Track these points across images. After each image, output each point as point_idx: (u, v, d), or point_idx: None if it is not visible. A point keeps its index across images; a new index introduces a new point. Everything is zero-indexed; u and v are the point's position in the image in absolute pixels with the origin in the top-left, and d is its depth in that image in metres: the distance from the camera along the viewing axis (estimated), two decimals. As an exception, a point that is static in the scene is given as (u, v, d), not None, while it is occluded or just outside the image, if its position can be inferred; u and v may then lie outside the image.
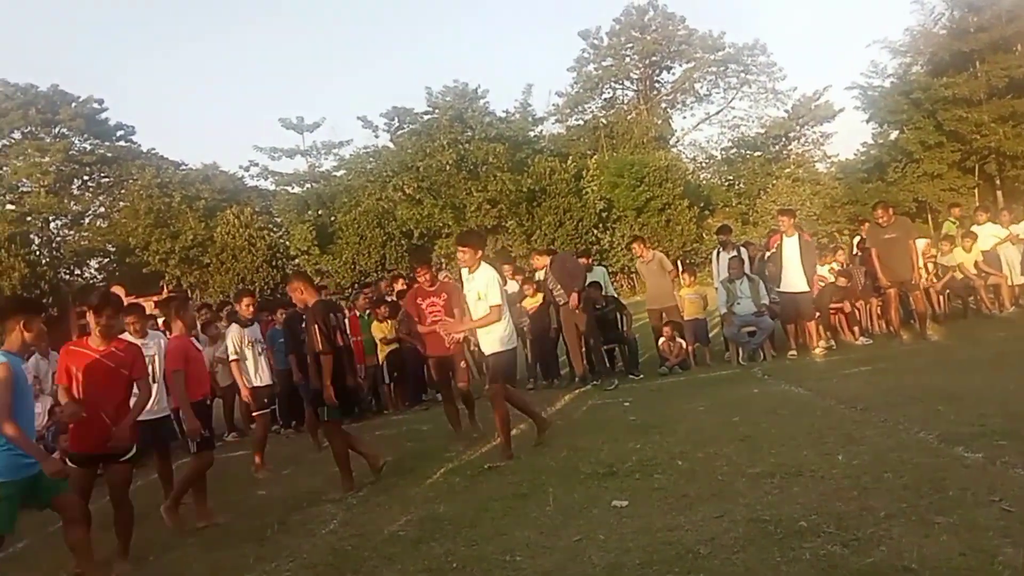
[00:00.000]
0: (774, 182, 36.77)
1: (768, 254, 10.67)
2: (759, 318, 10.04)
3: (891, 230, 10.13)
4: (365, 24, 77.12)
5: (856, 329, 10.71)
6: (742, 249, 11.04)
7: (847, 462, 5.08)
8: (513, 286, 11.08)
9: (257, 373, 7.78)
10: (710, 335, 11.27)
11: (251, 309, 8.05)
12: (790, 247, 9.95)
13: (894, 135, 33.75)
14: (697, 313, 10.76)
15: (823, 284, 10.84)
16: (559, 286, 9.78)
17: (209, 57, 73.89)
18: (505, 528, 4.78)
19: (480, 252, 6.62)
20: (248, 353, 7.74)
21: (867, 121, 35.26)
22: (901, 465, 4.81)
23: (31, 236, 37.07)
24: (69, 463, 4.98)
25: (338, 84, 74.35)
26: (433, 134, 34.80)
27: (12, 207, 39.76)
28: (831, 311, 10.67)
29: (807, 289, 9.97)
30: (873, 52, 44.48)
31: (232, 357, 7.79)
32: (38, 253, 36.22)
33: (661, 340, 10.44)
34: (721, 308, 10.26)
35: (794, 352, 10.01)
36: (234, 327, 7.90)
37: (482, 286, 6.45)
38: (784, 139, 42.35)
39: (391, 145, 37.19)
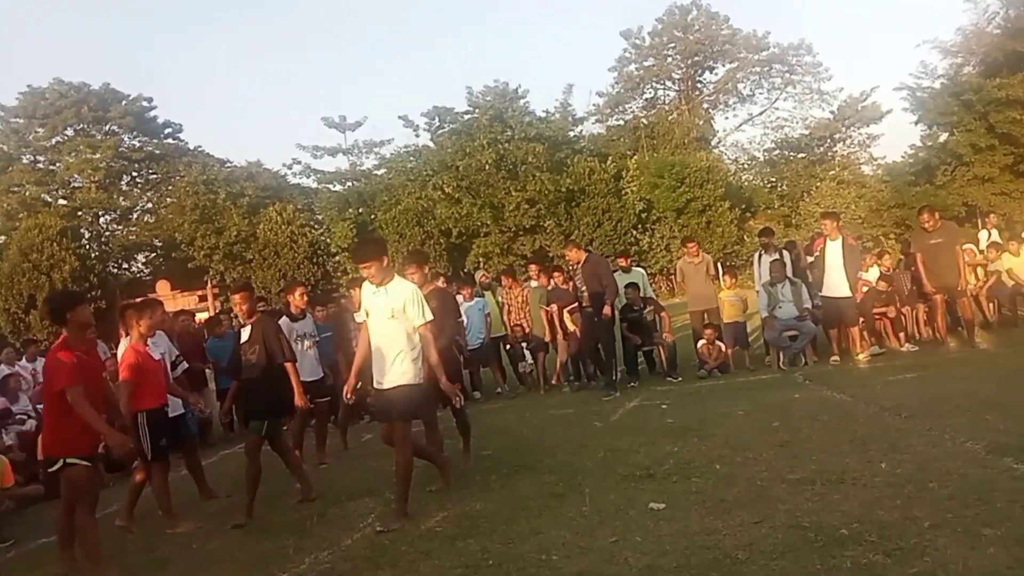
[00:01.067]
0: (818, 184, 36.14)
1: (811, 258, 10.51)
2: (801, 322, 9.89)
3: (937, 235, 9.91)
4: (407, 24, 77.84)
5: (902, 335, 10.49)
6: (784, 252, 10.89)
7: (890, 470, 4.99)
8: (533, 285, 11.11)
9: (302, 367, 7.39)
10: (750, 338, 11.14)
11: (304, 299, 7.84)
12: (833, 251, 9.79)
13: (943, 137, 32.91)
14: (737, 316, 10.64)
15: (867, 288, 10.64)
16: (586, 288, 9.66)
17: (254, 57, 75.33)
18: (541, 527, 4.79)
19: (386, 260, 5.43)
20: (295, 347, 7.39)
21: (916, 123, 34.46)
22: (947, 475, 4.71)
23: (81, 230, 38.12)
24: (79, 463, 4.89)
25: (380, 83, 75.19)
26: (473, 133, 34.92)
27: (64, 202, 40.95)
28: (876, 316, 10.47)
29: (850, 294, 9.80)
30: (923, 52, 43.55)
31: None
32: (88, 247, 37.19)
33: (700, 343, 10.35)
34: (762, 312, 10.14)
35: (836, 357, 9.84)
36: (283, 320, 7.69)
37: (398, 302, 5.30)
38: (829, 140, 41.56)
39: (431, 144, 37.42)
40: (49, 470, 5.02)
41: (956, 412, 6.29)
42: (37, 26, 67.83)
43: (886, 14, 70.85)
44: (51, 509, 7.17)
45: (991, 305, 11.42)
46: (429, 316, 5.38)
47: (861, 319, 10.03)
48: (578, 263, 9.92)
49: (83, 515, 4.94)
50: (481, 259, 32.47)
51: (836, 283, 9.71)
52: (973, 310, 10.22)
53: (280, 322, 7.65)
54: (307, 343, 7.64)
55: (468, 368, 11.06)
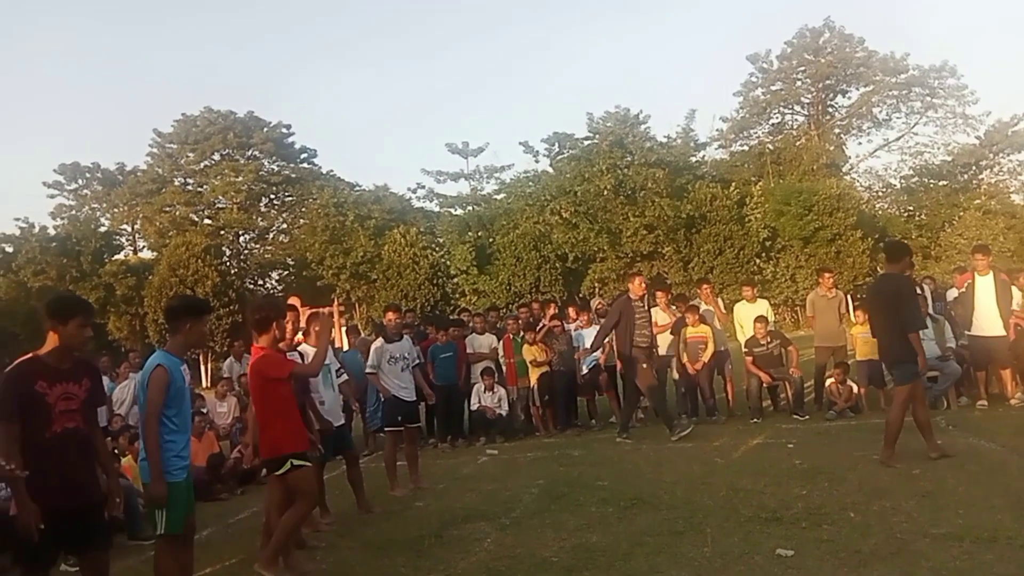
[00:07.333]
0: (961, 214, 33.65)
1: (957, 294, 9.79)
2: (944, 362, 9.20)
3: None
4: (530, 51, 79.21)
5: (1061, 381, 9.55)
6: (924, 286, 10.22)
7: (1052, 532, 4.54)
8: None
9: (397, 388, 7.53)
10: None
11: (392, 323, 7.82)
12: (984, 287, 9.08)
13: (1109, 164, 30.01)
14: (871, 354, 9.97)
15: (1020, 327, 9.78)
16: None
17: (385, 86, 78.61)
18: (660, 566, 4.65)
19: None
20: (388, 367, 7.52)
21: (1076, 149, 31.60)
22: (1122, 542, 4.24)
23: (223, 248, 40.74)
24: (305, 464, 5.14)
25: (503, 110, 76.65)
26: (592, 159, 34.87)
27: (209, 222, 44.05)
28: (1030, 359, 9.60)
29: (1003, 333, 9.03)
30: (1085, 72, 39.59)
31: (368, 370, 7.67)
32: (228, 264, 39.69)
33: (829, 381, 9.82)
34: (900, 349, 9.49)
35: (984, 402, 9.09)
36: (378, 340, 7.80)
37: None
38: (974, 168, 38.57)
39: (550, 170, 37.63)
40: (276, 473, 5.13)
41: None
42: (192, 58, 73.75)
43: (1042, 32, 65.66)
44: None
45: None
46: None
47: (1013, 360, 9.23)
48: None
49: (304, 511, 5.15)
50: (597, 285, 32.25)
51: (988, 321, 8.99)
52: None
53: (375, 344, 7.79)
54: (401, 364, 7.60)
55: (583, 395, 11.00)
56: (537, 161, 38.68)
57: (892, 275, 7.07)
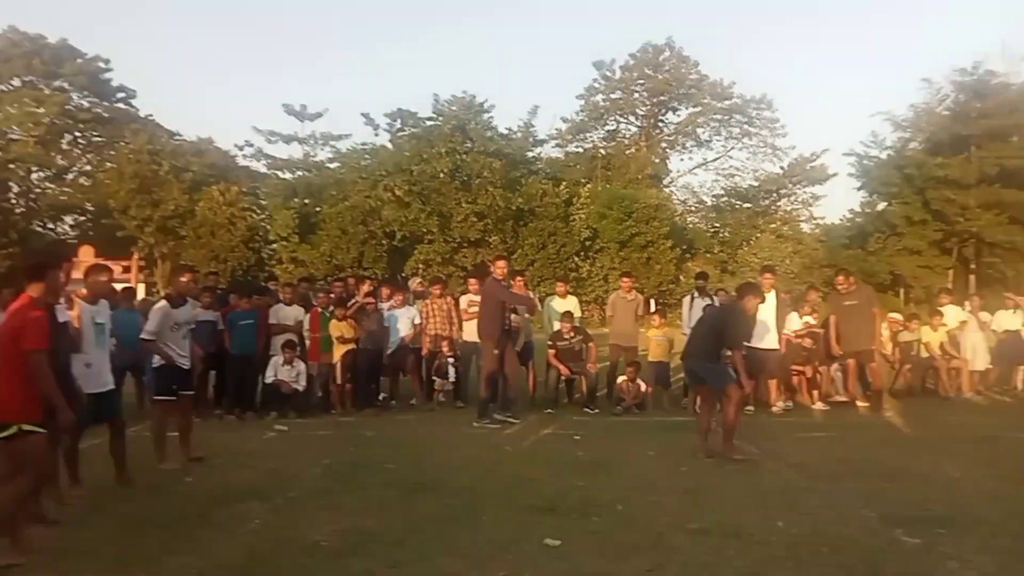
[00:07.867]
0: (758, 235, 37.01)
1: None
2: (723, 368, 9.96)
3: (851, 297, 10.20)
4: (383, 23, 77.19)
5: (815, 393, 10.67)
6: (715, 298, 11.03)
7: (786, 530, 5.02)
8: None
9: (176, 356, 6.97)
10: (672, 379, 11.19)
11: (186, 285, 7.27)
12: (767, 303, 9.91)
13: (881, 206, 34.13)
14: (662, 356, 10.70)
15: (791, 343, 10.82)
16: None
17: (224, 36, 73.56)
18: (431, 552, 4.63)
19: None
20: (169, 334, 6.93)
21: (858, 189, 35.65)
22: (840, 541, 4.76)
23: (10, 184, 36.34)
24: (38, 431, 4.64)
25: (347, 78, 74.24)
26: (433, 140, 34.63)
27: (-2, 152, 39.06)
28: (793, 372, 10.65)
29: (776, 347, 9.95)
30: (875, 123, 44.96)
31: (145, 335, 6.93)
32: (14, 201, 35.48)
33: (621, 379, 10.35)
34: (688, 354, 10.18)
35: (751, 408, 9.94)
36: (162, 303, 7.15)
37: None
38: (775, 195, 42.68)
39: (389, 145, 36.93)
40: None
41: (856, 476, 6.41)
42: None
43: (847, 81, 73.53)
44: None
45: (909, 374, 11.70)
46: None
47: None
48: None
49: (28, 486, 4.64)
50: (421, 265, 32.16)
51: (765, 335, 9.83)
52: (882, 376, 10.46)
53: (157, 307, 7.16)
54: (183, 331, 7.08)
55: (387, 375, 10.85)
56: (377, 135, 37.82)
57: (736, 303, 7.87)
